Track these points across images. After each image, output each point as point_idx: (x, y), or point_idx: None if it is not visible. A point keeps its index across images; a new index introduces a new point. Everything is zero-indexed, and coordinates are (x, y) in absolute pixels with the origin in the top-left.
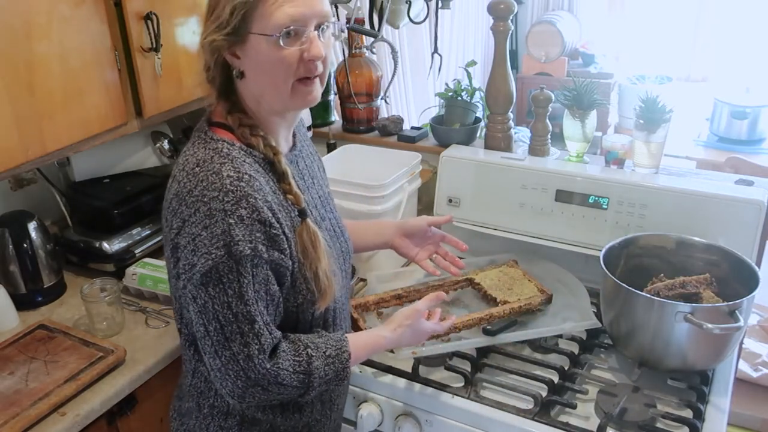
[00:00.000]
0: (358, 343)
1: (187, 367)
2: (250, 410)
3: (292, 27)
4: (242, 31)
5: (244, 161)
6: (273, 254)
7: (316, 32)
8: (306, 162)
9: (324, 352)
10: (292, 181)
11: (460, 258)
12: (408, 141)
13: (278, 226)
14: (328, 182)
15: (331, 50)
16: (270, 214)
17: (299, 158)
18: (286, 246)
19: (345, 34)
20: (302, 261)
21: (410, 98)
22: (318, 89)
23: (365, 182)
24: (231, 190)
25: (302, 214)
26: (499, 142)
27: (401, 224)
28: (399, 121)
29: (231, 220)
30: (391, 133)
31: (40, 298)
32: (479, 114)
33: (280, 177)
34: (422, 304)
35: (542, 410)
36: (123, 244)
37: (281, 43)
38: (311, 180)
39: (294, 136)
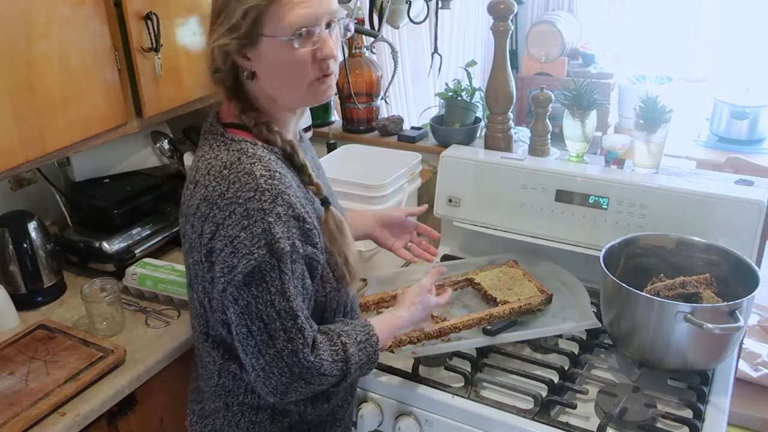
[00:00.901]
0: (380, 326)
1: (210, 368)
2: (283, 403)
3: (304, 28)
4: (254, 33)
5: (270, 159)
6: (307, 249)
7: (327, 31)
8: (311, 153)
9: (355, 339)
10: (312, 173)
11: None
12: (408, 141)
13: (310, 220)
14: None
15: (339, 48)
16: (302, 210)
17: (306, 150)
18: (318, 240)
19: (351, 33)
20: (330, 249)
21: (410, 98)
22: (333, 84)
23: (365, 182)
24: (267, 189)
25: (325, 202)
26: (499, 142)
27: (380, 215)
28: (399, 121)
29: (270, 219)
30: (391, 133)
31: (40, 298)
32: (479, 114)
33: (299, 169)
34: (427, 280)
35: (542, 410)
36: (123, 244)
37: (295, 45)
38: (317, 170)
39: None
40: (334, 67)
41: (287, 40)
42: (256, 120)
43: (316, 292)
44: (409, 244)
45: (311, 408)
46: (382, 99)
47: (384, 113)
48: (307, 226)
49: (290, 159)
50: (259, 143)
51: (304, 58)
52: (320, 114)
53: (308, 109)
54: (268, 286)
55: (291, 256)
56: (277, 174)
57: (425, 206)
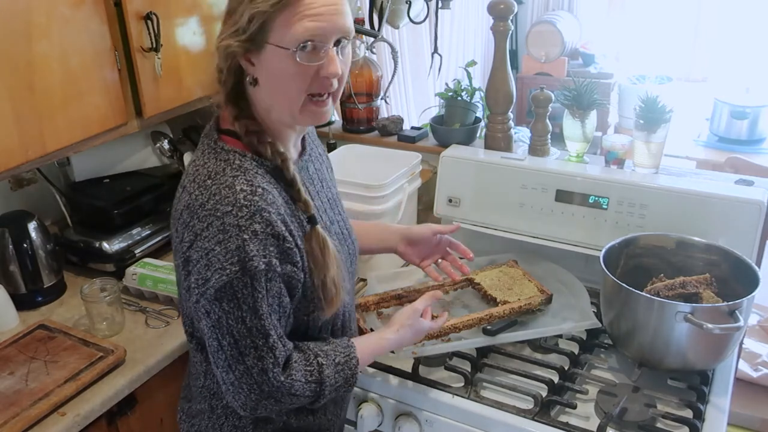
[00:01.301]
0: (363, 347)
1: (197, 369)
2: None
3: (309, 42)
4: (259, 39)
5: (257, 173)
6: (286, 267)
7: (335, 49)
8: (315, 165)
9: (333, 360)
10: (302, 188)
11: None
12: (408, 141)
13: (291, 239)
14: (335, 182)
15: (348, 68)
16: (283, 228)
17: (309, 162)
18: (298, 259)
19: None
20: (312, 269)
21: (410, 98)
22: (329, 108)
23: (365, 182)
24: (245, 205)
25: (312, 221)
26: (499, 142)
27: (406, 232)
28: (399, 121)
29: (245, 236)
30: (391, 133)
31: (40, 298)
32: (479, 114)
33: (288, 183)
34: (420, 303)
35: (542, 410)
36: (123, 244)
37: (297, 58)
38: (320, 183)
39: (303, 140)
40: (337, 88)
41: (290, 52)
42: (247, 128)
43: (298, 310)
44: (440, 261)
45: (295, 419)
46: (382, 99)
47: (384, 113)
48: (287, 245)
49: (279, 172)
50: (249, 154)
51: (305, 73)
52: None
53: None
54: (240, 303)
55: (266, 274)
56: (259, 190)
57: (458, 225)
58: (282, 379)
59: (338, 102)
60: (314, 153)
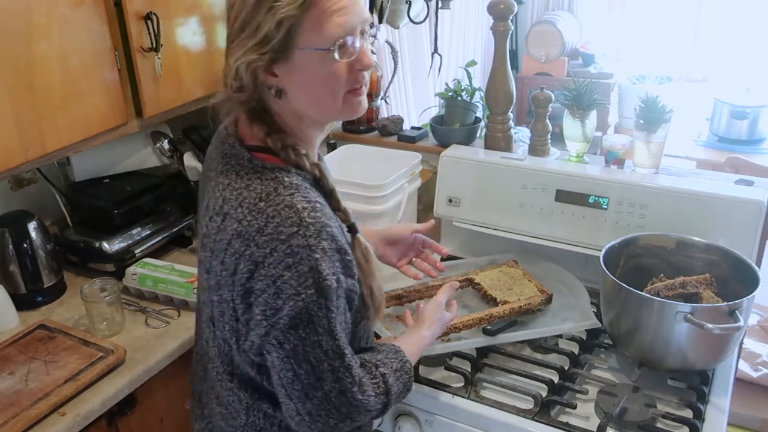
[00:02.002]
0: (409, 349)
1: (234, 407)
2: None
3: (345, 37)
4: (286, 46)
5: (307, 187)
6: (348, 282)
7: (363, 40)
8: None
9: (392, 368)
10: (340, 197)
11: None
12: (408, 141)
13: (350, 251)
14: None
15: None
16: (343, 241)
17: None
18: (355, 270)
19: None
20: (360, 278)
21: (410, 98)
22: (366, 97)
23: (365, 182)
24: (311, 223)
25: (352, 229)
26: (499, 142)
27: (385, 233)
28: (399, 121)
29: (316, 255)
30: (391, 133)
31: (40, 298)
32: (479, 114)
33: (327, 194)
34: (442, 296)
35: (542, 410)
36: (123, 244)
37: (336, 56)
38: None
39: None
40: (368, 79)
41: (325, 52)
42: (282, 143)
43: (351, 323)
44: (414, 259)
45: None
46: (382, 99)
47: (384, 113)
48: (348, 258)
49: (319, 183)
50: (293, 170)
51: (341, 71)
52: None
53: None
54: (315, 327)
55: (336, 291)
56: (318, 205)
57: (432, 222)
58: (360, 397)
59: None
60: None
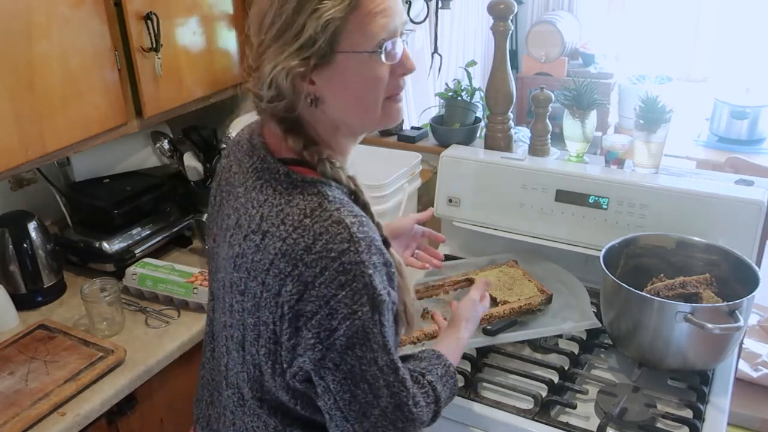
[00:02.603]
0: (449, 353)
1: None
2: None
3: (389, 39)
4: (329, 51)
5: (350, 201)
6: (393, 294)
7: (403, 42)
8: None
9: (437, 374)
10: (373, 210)
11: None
12: (408, 141)
13: (393, 264)
14: None
15: None
16: (387, 254)
17: None
18: (397, 282)
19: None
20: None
21: (410, 98)
22: (404, 103)
23: (365, 182)
24: (361, 238)
25: (386, 243)
26: (499, 142)
27: (388, 227)
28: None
29: (369, 271)
30: (391, 133)
31: (40, 298)
32: (479, 114)
33: (363, 208)
34: (475, 293)
35: (542, 410)
36: (123, 244)
37: (382, 59)
38: None
39: None
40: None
41: (371, 54)
42: (319, 155)
43: None
44: (417, 251)
45: None
46: None
47: None
48: (392, 270)
49: (355, 196)
50: (333, 183)
51: (384, 74)
52: None
53: None
54: (371, 344)
55: (387, 305)
56: (364, 219)
57: (431, 210)
58: (415, 410)
59: None
60: None
